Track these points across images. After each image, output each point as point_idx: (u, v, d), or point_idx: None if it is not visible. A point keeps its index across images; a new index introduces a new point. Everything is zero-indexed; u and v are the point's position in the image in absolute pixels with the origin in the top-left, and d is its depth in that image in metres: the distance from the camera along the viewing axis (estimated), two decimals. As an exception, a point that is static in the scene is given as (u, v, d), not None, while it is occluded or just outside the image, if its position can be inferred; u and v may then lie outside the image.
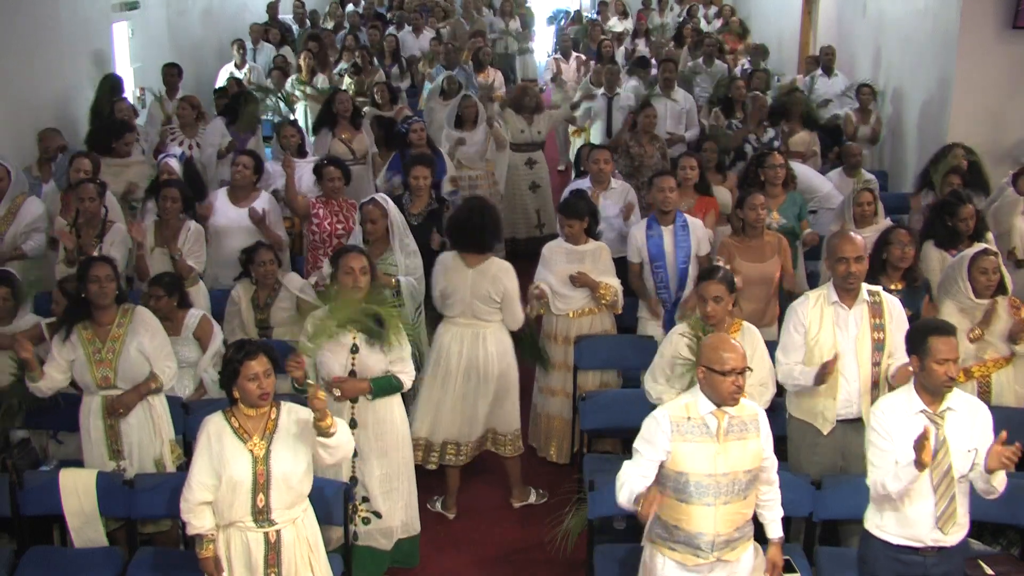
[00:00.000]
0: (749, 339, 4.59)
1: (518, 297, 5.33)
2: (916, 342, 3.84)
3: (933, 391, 3.80)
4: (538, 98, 8.99)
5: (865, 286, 4.53)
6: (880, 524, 3.90)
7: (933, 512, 3.79)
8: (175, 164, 6.76)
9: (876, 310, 4.50)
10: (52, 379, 4.57)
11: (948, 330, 3.84)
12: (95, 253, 5.86)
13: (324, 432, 3.79)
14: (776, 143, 7.93)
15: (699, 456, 3.64)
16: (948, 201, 5.78)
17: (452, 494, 5.53)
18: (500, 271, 5.28)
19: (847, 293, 4.49)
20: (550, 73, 11.75)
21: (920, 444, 3.59)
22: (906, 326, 4.55)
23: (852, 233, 4.66)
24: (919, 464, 3.63)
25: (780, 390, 4.78)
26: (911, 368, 3.90)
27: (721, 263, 5.04)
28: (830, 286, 4.55)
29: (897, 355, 4.47)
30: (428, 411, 5.33)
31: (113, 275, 4.61)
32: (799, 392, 4.59)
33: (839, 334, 4.47)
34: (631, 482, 3.65)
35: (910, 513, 3.81)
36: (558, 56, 11.95)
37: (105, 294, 4.56)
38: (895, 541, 3.87)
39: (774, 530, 3.96)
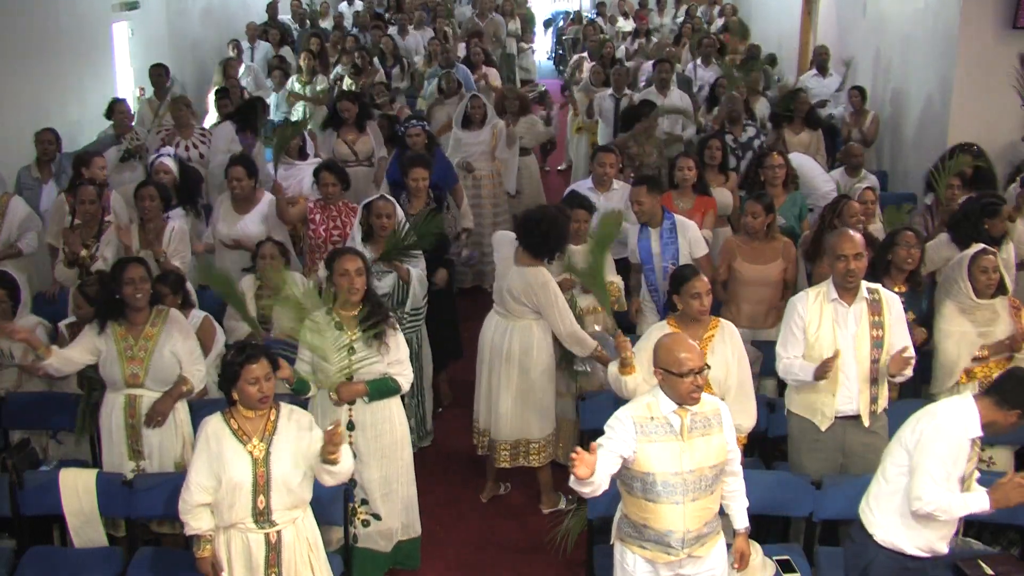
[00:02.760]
0: (728, 337, 4.57)
1: (562, 309, 5.19)
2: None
3: (992, 430, 3.79)
4: (522, 100, 8.92)
5: (864, 284, 4.53)
6: (898, 534, 3.91)
7: (955, 531, 3.86)
8: (170, 163, 6.67)
9: (875, 307, 4.50)
10: (67, 358, 4.57)
11: None
12: (92, 254, 5.88)
13: (330, 463, 3.79)
14: (756, 142, 7.90)
15: (665, 455, 3.64)
16: (992, 202, 5.67)
17: (488, 480, 5.71)
18: (537, 284, 5.19)
19: (846, 291, 4.49)
20: (571, 71, 11.76)
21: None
22: (905, 323, 4.57)
23: (851, 231, 4.65)
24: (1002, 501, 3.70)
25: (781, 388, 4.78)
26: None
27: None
28: (829, 283, 4.55)
29: (895, 352, 4.47)
30: (475, 394, 5.57)
31: (147, 276, 4.62)
32: (799, 389, 4.59)
33: (838, 331, 4.47)
34: None
35: (934, 529, 3.84)
36: (584, 56, 11.95)
37: (140, 295, 4.57)
38: (908, 551, 3.89)
39: (740, 520, 3.96)
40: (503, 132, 8.33)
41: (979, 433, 3.77)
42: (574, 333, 5.23)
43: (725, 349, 4.52)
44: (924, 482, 3.77)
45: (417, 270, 5.72)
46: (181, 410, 4.74)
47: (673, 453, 3.64)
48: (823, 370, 4.38)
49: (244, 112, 8.04)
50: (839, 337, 4.46)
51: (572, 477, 3.49)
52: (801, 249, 5.92)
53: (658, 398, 3.71)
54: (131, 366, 4.58)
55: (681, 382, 3.61)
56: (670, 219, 5.81)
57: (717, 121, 8.25)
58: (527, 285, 5.22)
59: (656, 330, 4.57)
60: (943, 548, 3.90)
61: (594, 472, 3.44)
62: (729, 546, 3.96)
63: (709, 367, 3.73)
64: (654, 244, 5.77)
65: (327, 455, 3.75)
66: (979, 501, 3.74)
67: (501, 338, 5.36)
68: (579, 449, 3.44)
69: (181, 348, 4.67)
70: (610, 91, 9.55)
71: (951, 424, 3.78)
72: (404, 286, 5.64)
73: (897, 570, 3.91)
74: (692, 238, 5.81)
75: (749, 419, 4.54)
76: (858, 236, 4.55)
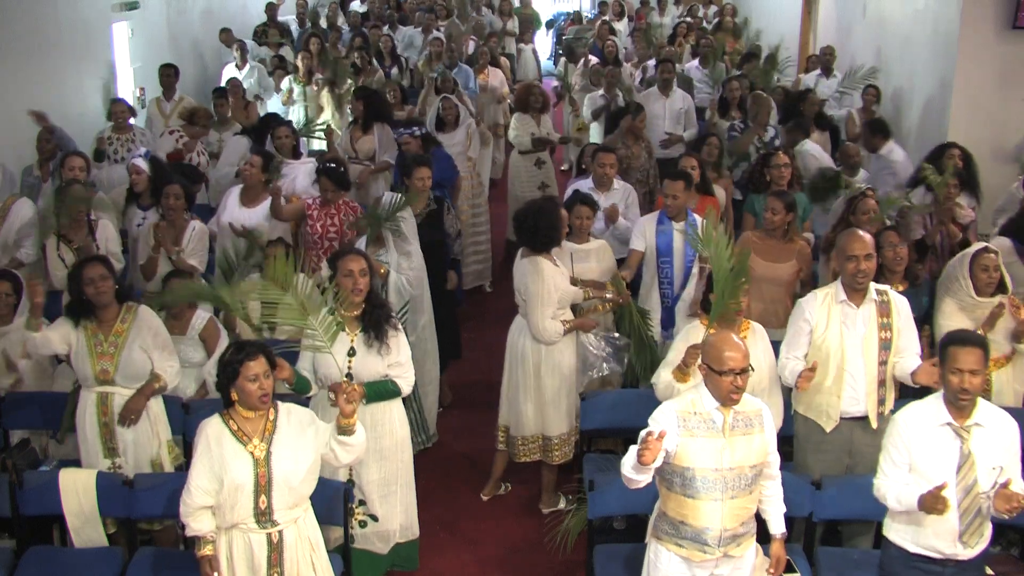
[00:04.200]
0: (760, 338, 4.59)
1: (542, 304, 5.21)
2: (940, 350, 3.80)
3: (952, 403, 3.75)
4: (544, 97, 8.97)
5: (873, 285, 4.53)
6: (898, 530, 3.90)
7: (957, 528, 3.77)
8: (143, 164, 6.66)
9: (884, 309, 4.50)
10: (48, 339, 4.61)
11: (970, 340, 3.75)
12: (96, 252, 5.87)
13: (346, 430, 3.80)
14: (778, 142, 7.92)
15: (705, 451, 3.65)
16: None
17: (492, 478, 5.72)
18: (529, 270, 5.25)
19: (855, 292, 4.48)
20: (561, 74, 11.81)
21: (934, 498, 3.59)
22: (913, 325, 4.56)
23: (861, 231, 4.64)
24: (924, 505, 3.65)
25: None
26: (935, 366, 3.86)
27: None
28: (838, 284, 4.54)
29: (904, 354, 4.47)
30: (502, 395, 5.58)
31: (107, 273, 4.61)
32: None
33: (846, 333, 4.47)
34: (633, 453, 3.58)
35: (930, 527, 3.80)
36: (563, 58, 12.00)
37: (102, 293, 4.57)
38: (912, 549, 3.86)
39: (777, 525, 3.96)
40: (476, 132, 8.36)
41: (948, 418, 3.75)
42: (544, 329, 5.23)
43: (757, 350, 4.52)
44: (876, 473, 3.87)
45: (397, 278, 5.69)
46: (155, 407, 4.74)
47: (714, 449, 3.65)
48: (804, 378, 4.37)
49: (260, 130, 7.98)
50: (847, 339, 4.46)
51: (631, 464, 3.51)
52: (823, 247, 5.94)
53: (701, 394, 3.72)
54: (101, 362, 4.59)
55: (721, 380, 3.63)
56: (692, 217, 5.83)
57: (760, 124, 8.13)
58: (522, 274, 5.28)
59: (692, 330, 4.57)
60: (948, 548, 3.80)
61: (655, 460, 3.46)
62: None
63: (753, 369, 3.72)
64: (676, 239, 5.79)
65: (341, 419, 3.78)
66: (908, 499, 3.72)
67: (518, 336, 5.40)
68: (651, 435, 3.43)
69: (151, 344, 4.67)
70: (601, 92, 9.55)
71: (898, 418, 3.84)
72: (381, 286, 5.64)
73: (908, 568, 3.88)
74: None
75: (777, 418, 4.54)
76: (868, 236, 4.54)
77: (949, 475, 3.72)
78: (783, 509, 3.97)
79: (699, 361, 3.87)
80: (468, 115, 8.53)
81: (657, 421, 3.68)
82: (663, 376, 4.60)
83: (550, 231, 5.30)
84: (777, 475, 3.91)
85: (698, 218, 5.86)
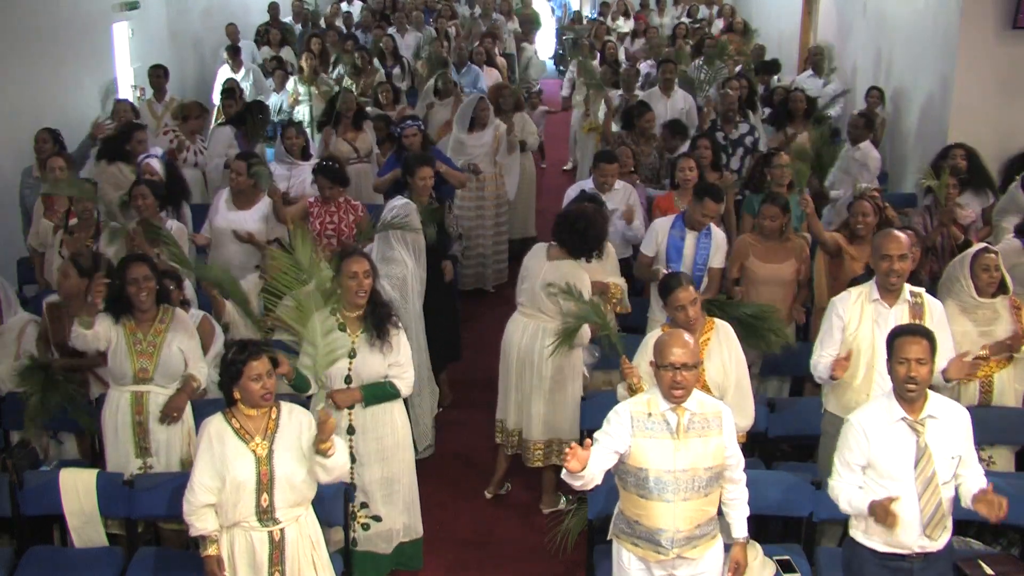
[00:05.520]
0: (724, 338, 4.55)
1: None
2: (887, 345, 3.85)
3: (901, 395, 3.76)
4: (516, 97, 8.94)
5: (908, 286, 4.53)
6: (866, 531, 3.88)
7: (919, 520, 3.77)
8: (157, 165, 6.66)
9: (917, 311, 4.50)
10: (97, 336, 4.59)
11: (915, 331, 3.81)
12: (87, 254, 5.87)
13: (322, 453, 3.79)
14: (749, 139, 7.91)
15: (658, 452, 3.65)
16: None
17: (496, 476, 5.70)
18: (572, 274, 5.20)
19: (889, 291, 4.49)
20: (570, 85, 11.75)
21: (884, 511, 3.65)
22: (947, 328, 4.55)
23: (896, 231, 4.64)
24: (874, 514, 3.69)
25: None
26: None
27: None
28: (872, 283, 4.56)
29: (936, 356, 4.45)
30: (501, 395, 5.56)
31: (151, 274, 4.62)
32: (835, 388, 4.61)
33: (878, 332, 4.45)
34: None
35: (896, 525, 3.77)
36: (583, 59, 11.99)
37: (144, 295, 4.58)
38: (881, 549, 3.85)
39: (738, 530, 3.94)
40: (504, 137, 8.32)
41: (902, 414, 3.75)
42: (582, 333, 5.20)
43: (721, 351, 4.52)
44: (831, 474, 3.90)
45: (381, 283, 5.69)
46: (187, 407, 4.74)
47: (667, 450, 3.65)
48: (836, 368, 4.40)
49: (243, 116, 8.05)
50: (878, 338, 4.44)
51: (564, 470, 3.53)
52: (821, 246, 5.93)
53: (656, 395, 3.72)
54: (141, 360, 4.60)
55: (661, 375, 3.65)
56: (709, 229, 5.76)
57: (706, 119, 8.29)
58: (563, 276, 5.19)
59: (651, 338, 4.55)
60: (916, 543, 3.78)
61: (585, 467, 3.49)
62: (728, 546, 3.94)
63: (694, 366, 3.68)
64: (688, 245, 5.73)
65: (318, 444, 3.75)
66: (858, 505, 3.77)
67: (531, 340, 5.34)
68: (574, 444, 3.50)
69: (186, 346, 4.70)
70: (620, 92, 9.55)
71: (852, 420, 3.85)
72: None
73: (877, 567, 3.87)
74: (719, 247, 5.77)
75: (746, 419, 4.54)
76: (903, 236, 4.53)
77: (907, 470, 3.74)
78: (746, 513, 3.94)
79: (642, 388, 3.90)
80: (495, 117, 8.49)
81: (611, 422, 3.70)
82: (620, 392, 4.58)
83: (596, 242, 5.27)
84: (740, 478, 3.89)
85: (714, 228, 5.78)
